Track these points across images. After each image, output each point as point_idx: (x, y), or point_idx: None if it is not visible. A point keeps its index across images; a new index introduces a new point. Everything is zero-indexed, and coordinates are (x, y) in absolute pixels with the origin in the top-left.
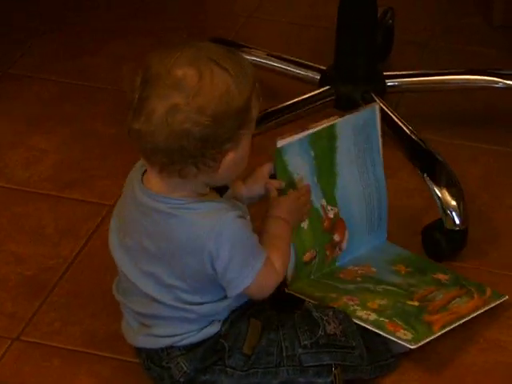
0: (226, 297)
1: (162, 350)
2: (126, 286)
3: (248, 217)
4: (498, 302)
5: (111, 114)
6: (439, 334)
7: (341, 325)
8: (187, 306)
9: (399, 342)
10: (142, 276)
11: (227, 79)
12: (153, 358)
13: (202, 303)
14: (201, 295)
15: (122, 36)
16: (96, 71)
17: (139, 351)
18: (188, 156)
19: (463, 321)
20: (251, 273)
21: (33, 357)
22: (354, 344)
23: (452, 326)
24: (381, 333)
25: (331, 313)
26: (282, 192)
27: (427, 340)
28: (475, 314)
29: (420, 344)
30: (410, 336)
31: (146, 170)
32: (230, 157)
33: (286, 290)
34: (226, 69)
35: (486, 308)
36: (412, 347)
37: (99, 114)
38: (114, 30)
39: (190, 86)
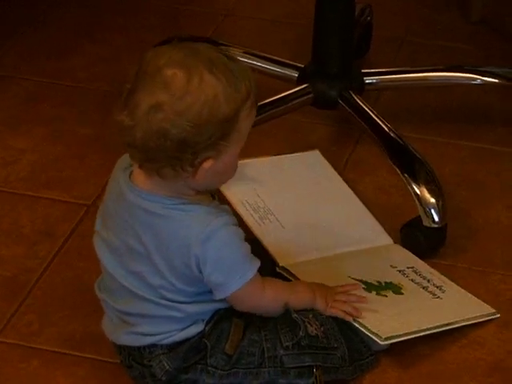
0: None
1: (144, 348)
2: (109, 284)
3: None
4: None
5: (88, 113)
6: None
7: (322, 326)
8: (176, 305)
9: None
10: (128, 275)
11: (216, 87)
12: (134, 356)
13: (189, 302)
14: (188, 295)
15: (98, 35)
16: (73, 71)
17: (121, 349)
18: (164, 156)
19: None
20: (239, 280)
21: (11, 358)
22: (335, 345)
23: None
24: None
25: (311, 315)
26: None
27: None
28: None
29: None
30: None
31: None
32: (208, 164)
33: (277, 270)
34: (218, 76)
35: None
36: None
37: (76, 114)
38: (90, 29)
39: (177, 88)
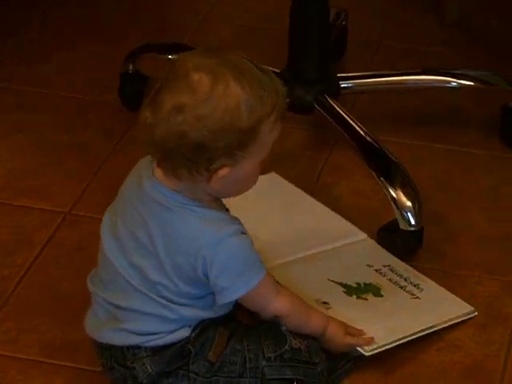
0: (211, 306)
1: (127, 348)
2: (106, 276)
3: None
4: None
5: (64, 120)
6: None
7: (305, 340)
8: (170, 304)
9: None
10: (128, 266)
11: (240, 96)
12: (117, 358)
13: (184, 304)
14: (186, 296)
15: (74, 42)
16: (48, 78)
17: (102, 349)
18: (181, 158)
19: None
20: (244, 286)
21: None
22: (316, 360)
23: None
24: None
25: None
26: None
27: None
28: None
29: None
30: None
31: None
32: (223, 172)
33: None
34: (244, 86)
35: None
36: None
37: (52, 121)
38: (66, 36)
39: (201, 92)
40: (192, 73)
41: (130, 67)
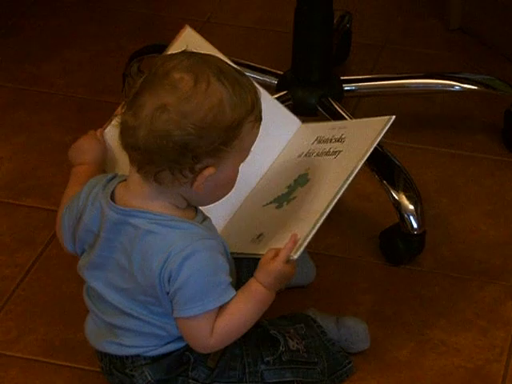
0: None
1: (126, 357)
2: (94, 294)
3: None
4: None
5: (65, 120)
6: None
7: (304, 340)
8: (162, 324)
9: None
10: (115, 293)
11: (222, 93)
12: (116, 364)
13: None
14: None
15: (73, 41)
16: (48, 77)
17: (102, 355)
18: (165, 159)
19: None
20: (197, 308)
21: None
22: (315, 360)
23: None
24: None
25: (292, 330)
26: None
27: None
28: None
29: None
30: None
31: (116, 185)
32: (208, 172)
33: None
34: (225, 84)
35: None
36: None
37: (53, 121)
38: (65, 35)
39: (183, 91)
40: (172, 72)
41: (134, 68)
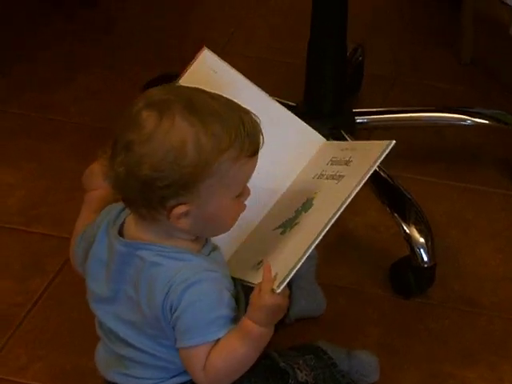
0: None
1: None
2: (105, 327)
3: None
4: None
5: (76, 148)
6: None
7: (313, 371)
8: (169, 356)
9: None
10: (122, 324)
11: (186, 134)
12: None
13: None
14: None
15: (85, 69)
16: (59, 104)
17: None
18: (137, 196)
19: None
20: (198, 338)
21: None
22: None
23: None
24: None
25: (301, 361)
26: None
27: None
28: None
29: None
30: None
31: (125, 218)
32: (181, 209)
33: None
34: (193, 123)
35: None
36: None
37: (65, 149)
38: (77, 62)
39: (147, 129)
40: (142, 110)
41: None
